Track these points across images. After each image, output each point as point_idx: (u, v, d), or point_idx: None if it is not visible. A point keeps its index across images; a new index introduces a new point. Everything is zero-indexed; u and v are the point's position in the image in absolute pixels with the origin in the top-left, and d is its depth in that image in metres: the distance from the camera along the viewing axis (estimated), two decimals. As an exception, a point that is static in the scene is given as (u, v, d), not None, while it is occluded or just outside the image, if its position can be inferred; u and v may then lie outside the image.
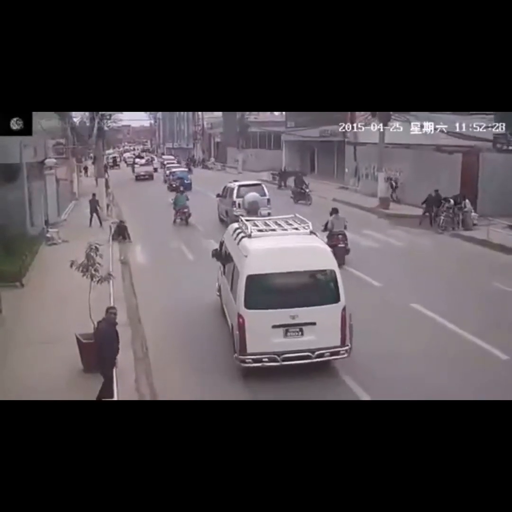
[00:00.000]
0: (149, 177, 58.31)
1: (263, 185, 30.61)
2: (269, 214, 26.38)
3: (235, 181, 31.93)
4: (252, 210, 27.10)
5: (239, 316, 11.12)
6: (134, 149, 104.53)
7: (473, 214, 25.84)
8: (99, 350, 10.31)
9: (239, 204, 28.12)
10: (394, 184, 34.53)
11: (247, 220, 13.20)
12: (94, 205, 29.73)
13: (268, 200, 28.89)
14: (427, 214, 26.84)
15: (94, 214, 29.59)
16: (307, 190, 34.30)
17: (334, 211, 20.62)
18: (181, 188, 34.99)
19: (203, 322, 14.67)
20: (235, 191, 28.80)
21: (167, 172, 52.72)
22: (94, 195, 30.93)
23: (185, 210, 30.17)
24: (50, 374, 11.37)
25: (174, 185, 34.84)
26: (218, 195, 31.50)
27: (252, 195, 28.18)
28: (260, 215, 25.41)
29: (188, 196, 31.61)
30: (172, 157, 73.94)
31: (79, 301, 12.78)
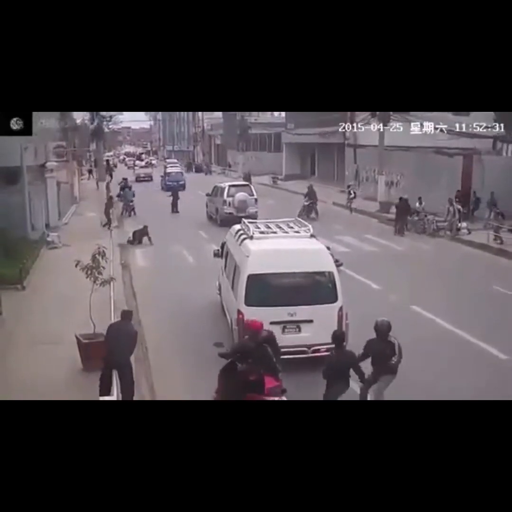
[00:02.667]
0: (149, 178, 60.37)
1: (251, 186, 32.52)
2: (256, 212, 28.79)
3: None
4: (241, 208, 29.04)
5: (239, 312, 11.50)
6: (135, 152, 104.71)
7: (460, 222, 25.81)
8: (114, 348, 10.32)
9: (229, 203, 29.77)
10: (352, 193, 34.59)
11: (249, 222, 13.45)
12: (109, 208, 30.15)
13: (256, 199, 30.70)
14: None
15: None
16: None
17: None
18: (130, 184, 38.31)
19: (203, 322, 14.71)
20: (225, 191, 30.53)
21: (163, 172, 54.94)
22: (111, 198, 31.88)
23: (130, 204, 33.84)
24: (50, 374, 11.37)
25: (120, 184, 38.27)
26: (207, 194, 33.18)
27: (241, 195, 30.05)
28: (248, 213, 27.78)
29: (134, 193, 35.73)
30: (175, 161, 75.06)
31: (80, 303, 12.81)
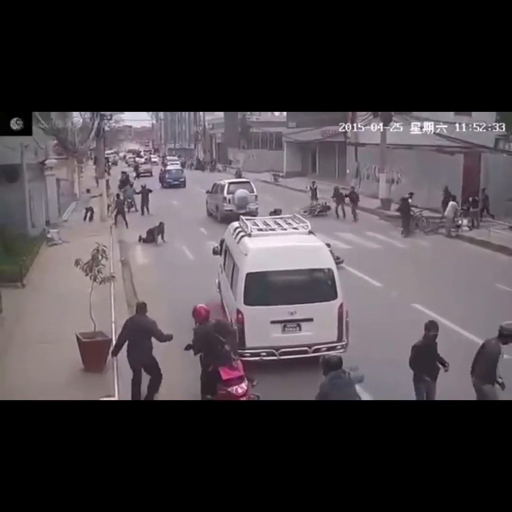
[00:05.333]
0: (148, 174, 62.28)
1: (251, 183, 32.19)
2: (256, 209, 28.85)
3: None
4: (241, 205, 28.89)
5: (238, 312, 11.43)
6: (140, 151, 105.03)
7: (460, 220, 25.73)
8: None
9: (229, 200, 29.89)
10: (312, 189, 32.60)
11: (247, 219, 13.38)
12: (121, 206, 30.64)
13: (256, 196, 30.70)
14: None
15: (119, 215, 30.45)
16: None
17: None
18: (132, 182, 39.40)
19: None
20: (225, 188, 30.59)
21: (162, 169, 56.07)
22: (118, 196, 32.41)
23: (129, 201, 34.00)
24: (50, 374, 11.37)
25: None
26: (207, 191, 33.31)
27: (241, 192, 30.12)
28: (249, 209, 27.87)
29: (135, 190, 35.75)
30: (176, 158, 75.52)
31: (80, 301, 12.79)
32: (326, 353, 11.58)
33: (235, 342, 10.17)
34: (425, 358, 9.82)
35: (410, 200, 26.61)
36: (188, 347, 10.30)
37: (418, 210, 26.69)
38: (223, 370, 9.60)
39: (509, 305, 15.27)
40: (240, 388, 9.47)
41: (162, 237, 25.31)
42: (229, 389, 9.44)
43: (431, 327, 9.89)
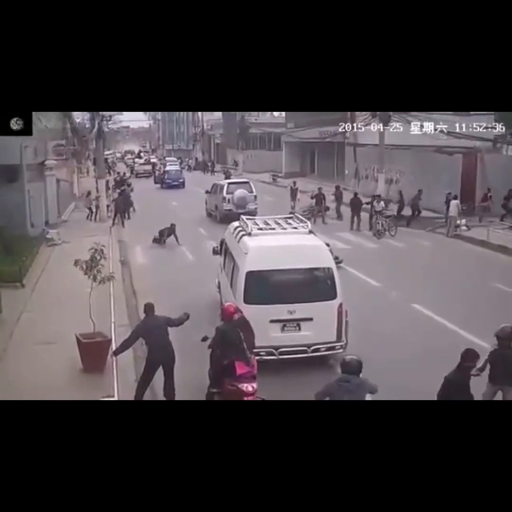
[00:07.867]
0: (148, 175, 61.86)
1: (251, 183, 32.25)
2: (255, 209, 28.97)
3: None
4: (241, 205, 29.07)
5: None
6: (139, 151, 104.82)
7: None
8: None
9: (228, 199, 30.04)
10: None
11: (247, 219, 13.42)
12: (119, 205, 30.88)
13: (255, 196, 30.88)
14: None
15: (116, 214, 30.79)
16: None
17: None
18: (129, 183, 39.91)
19: (203, 319, 14.69)
20: (225, 188, 30.71)
21: (162, 169, 55.84)
22: (120, 193, 32.90)
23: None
24: (50, 374, 11.37)
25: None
26: (207, 191, 33.40)
27: (241, 192, 30.30)
28: (248, 209, 27.90)
29: (133, 188, 36.51)
30: (174, 159, 75.40)
31: (79, 301, 12.79)
32: (325, 353, 11.63)
33: (252, 339, 10.19)
34: (457, 396, 7.96)
35: (375, 203, 26.82)
36: (205, 338, 10.32)
37: (373, 205, 26.76)
38: (239, 365, 9.64)
39: (508, 305, 15.30)
40: (251, 386, 9.49)
41: (176, 239, 24.88)
42: (239, 385, 9.44)
43: (467, 357, 8.14)
